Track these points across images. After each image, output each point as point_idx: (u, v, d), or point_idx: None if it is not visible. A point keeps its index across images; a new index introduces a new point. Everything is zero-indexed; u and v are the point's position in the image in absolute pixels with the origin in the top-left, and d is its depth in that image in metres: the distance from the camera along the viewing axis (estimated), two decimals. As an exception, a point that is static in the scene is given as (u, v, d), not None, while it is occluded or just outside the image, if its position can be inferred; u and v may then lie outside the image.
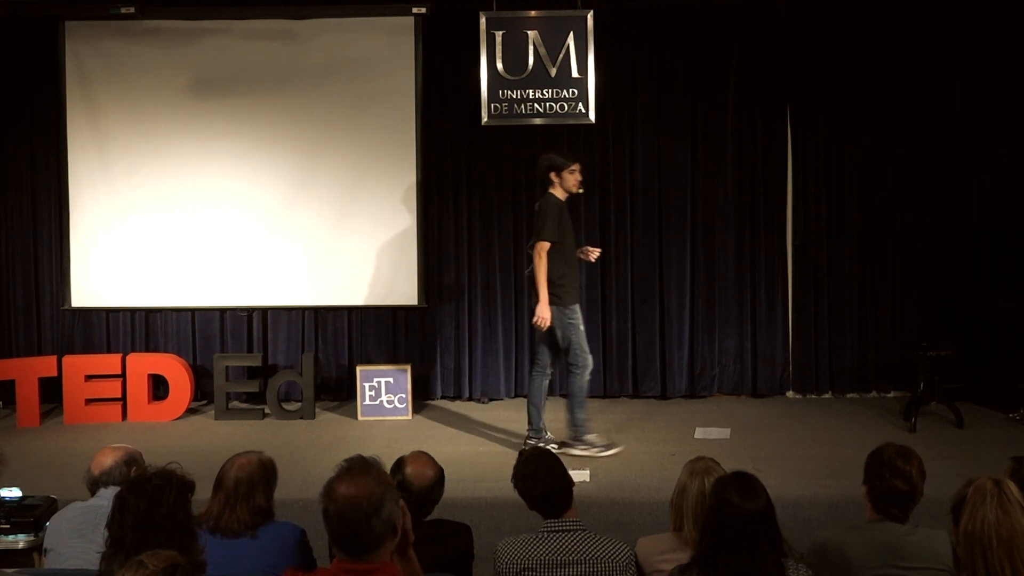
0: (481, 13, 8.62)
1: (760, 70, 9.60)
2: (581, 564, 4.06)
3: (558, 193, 7.78)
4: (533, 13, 8.68)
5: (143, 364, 9.26)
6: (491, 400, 9.70)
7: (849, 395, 9.66)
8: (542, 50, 8.62)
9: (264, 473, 4.31)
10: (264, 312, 9.75)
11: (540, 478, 4.22)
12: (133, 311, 9.71)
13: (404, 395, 9.07)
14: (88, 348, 9.66)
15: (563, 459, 4.47)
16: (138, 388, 9.17)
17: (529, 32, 8.61)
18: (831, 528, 4.27)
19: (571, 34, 8.60)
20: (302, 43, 9.56)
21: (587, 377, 7.80)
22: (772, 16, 9.50)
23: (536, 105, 8.67)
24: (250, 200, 9.57)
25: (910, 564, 3.94)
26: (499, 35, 8.61)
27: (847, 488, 5.95)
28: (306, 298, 9.66)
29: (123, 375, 9.18)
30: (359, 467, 3.06)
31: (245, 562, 4.09)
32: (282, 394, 9.31)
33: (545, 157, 7.94)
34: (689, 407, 9.32)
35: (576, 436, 7.79)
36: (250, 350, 9.71)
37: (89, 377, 9.12)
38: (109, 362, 9.27)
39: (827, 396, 9.69)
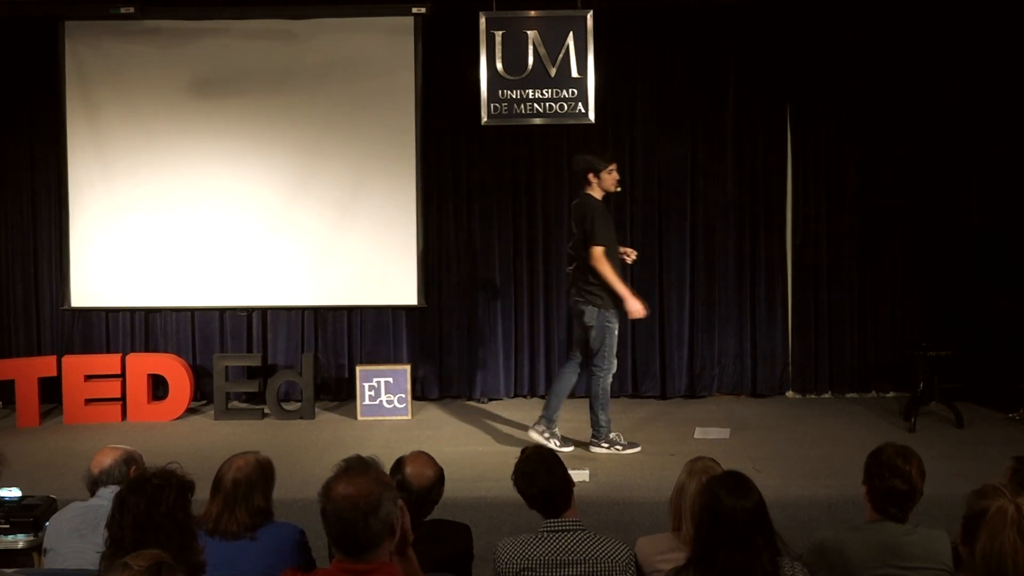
0: (481, 13, 8.62)
1: (760, 70, 9.60)
2: (581, 564, 4.06)
3: (595, 193, 7.80)
4: (533, 13, 8.67)
5: (143, 364, 9.26)
6: (491, 400, 9.69)
7: (849, 395, 9.66)
8: (542, 50, 8.62)
9: (262, 474, 4.30)
10: (264, 312, 9.75)
11: (539, 476, 4.22)
12: (133, 311, 9.71)
13: (404, 395, 9.07)
14: (88, 348, 9.65)
15: (571, 459, 4.46)
16: (138, 388, 9.16)
17: (529, 32, 8.61)
18: (830, 528, 4.27)
19: (571, 34, 8.59)
20: (301, 43, 9.56)
21: (610, 380, 7.84)
22: (772, 16, 9.50)
23: (536, 105, 8.66)
24: (250, 200, 9.57)
25: (910, 564, 3.94)
26: (499, 35, 8.61)
27: (847, 488, 5.95)
28: (306, 298, 9.65)
29: (123, 375, 9.18)
30: (357, 467, 3.06)
31: (245, 563, 4.09)
32: (282, 394, 9.31)
33: (582, 158, 7.96)
34: (689, 407, 9.32)
35: (598, 436, 7.82)
36: (250, 350, 9.71)
37: (89, 377, 9.11)
38: (109, 362, 9.26)
39: (827, 396, 9.69)
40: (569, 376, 8.00)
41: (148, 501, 3.39)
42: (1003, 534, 3.20)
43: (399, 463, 4.40)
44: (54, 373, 9.14)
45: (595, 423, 7.86)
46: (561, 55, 8.61)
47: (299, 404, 9.24)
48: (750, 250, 9.68)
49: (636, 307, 7.71)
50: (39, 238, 9.78)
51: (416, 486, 4.29)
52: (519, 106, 8.66)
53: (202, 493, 3.85)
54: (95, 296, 9.63)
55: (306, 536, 4.33)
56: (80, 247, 9.61)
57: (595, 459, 7.59)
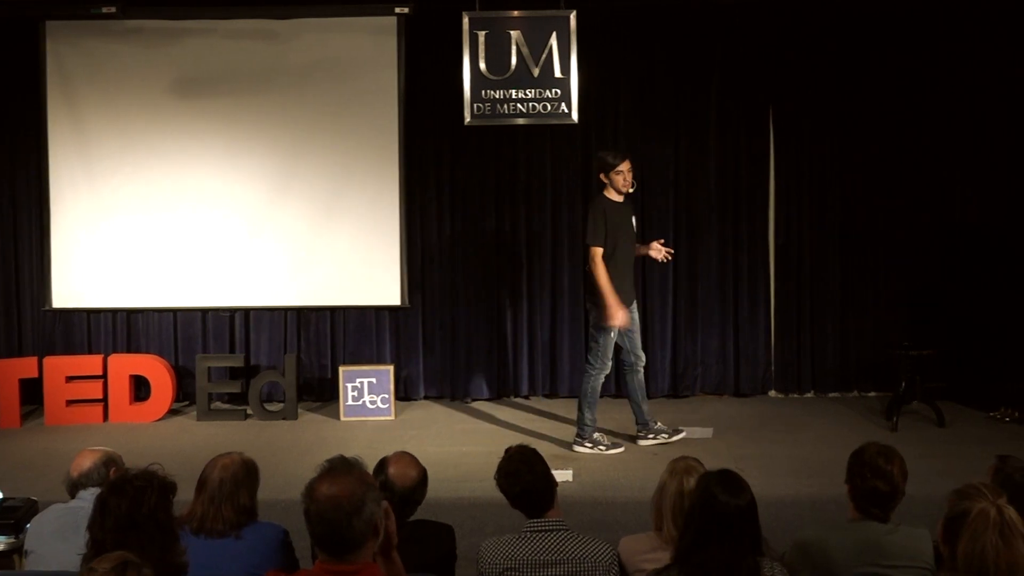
0: (464, 13, 8.60)
1: (743, 70, 9.62)
2: (564, 564, 4.06)
3: (610, 194, 7.84)
4: (516, 13, 8.66)
5: (124, 365, 9.23)
6: (474, 400, 9.69)
7: (831, 394, 9.70)
8: (525, 50, 8.61)
9: (247, 473, 4.30)
10: (246, 312, 9.73)
11: (521, 475, 4.22)
12: (114, 312, 9.67)
13: (387, 395, 9.06)
14: (69, 349, 9.62)
15: (555, 459, 4.45)
16: (119, 389, 9.13)
17: (512, 32, 8.60)
18: (813, 527, 4.28)
19: (554, 34, 8.58)
20: (284, 43, 9.53)
21: (601, 380, 7.89)
22: (755, 16, 9.52)
23: (519, 105, 8.65)
24: (232, 200, 9.55)
25: (892, 563, 3.95)
26: (482, 35, 8.60)
27: (829, 487, 5.98)
28: (289, 298, 9.63)
29: (104, 376, 9.15)
30: (340, 467, 3.06)
31: (229, 563, 4.08)
32: (264, 395, 9.30)
33: (596, 157, 8.06)
34: (672, 407, 9.33)
35: (582, 435, 7.84)
36: (232, 351, 9.69)
37: (70, 378, 9.09)
38: (90, 363, 9.24)
39: (809, 395, 9.73)
40: (630, 381, 8.05)
41: (130, 502, 3.38)
42: (985, 536, 3.21)
43: (382, 463, 4.39)
44: (35, 374, 9.11)
45: (580, 421, 7.89)
46: (544, 55, 8.60)
47: (282, 405, 9.23)
48: (733, 250, 9.71)
49: (616, 315, 7.68)
50: (20, 238, 9.74)
51: (399, 486, 4.29)
52: (502, 106, 8.65)
53: (184, 494, 3.83)
54: (77, 297, 9.59)
55: (290, 536, 4.32)
56: (62, 247, 9.56)
57: (578, 459, 7.60)
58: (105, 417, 9.10)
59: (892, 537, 4.00)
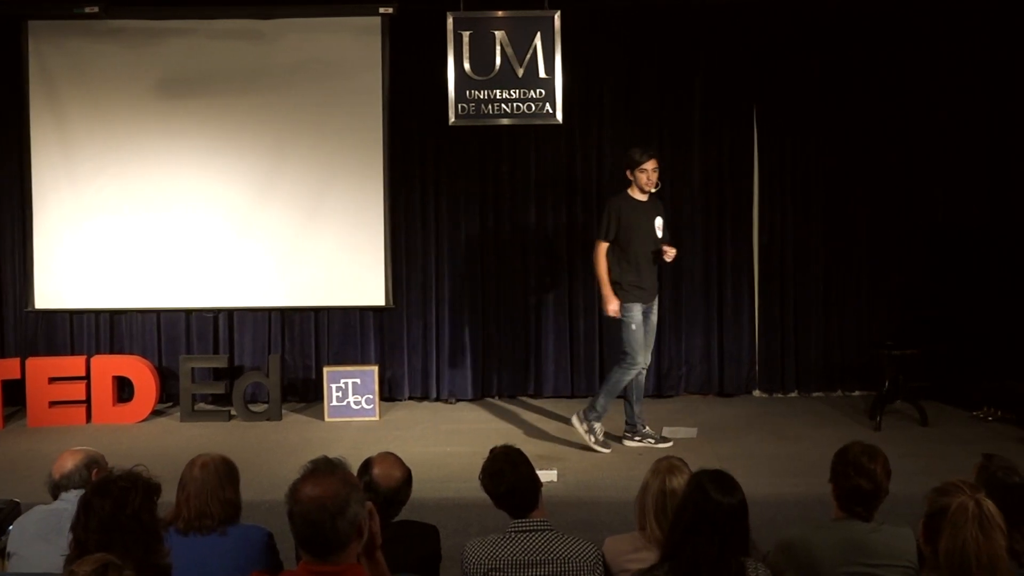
0: (448, 13, 8.61)
1: (727, 71, 9.65)
2: (548, 564, 4.06)
3: (633, 192, 7.85)
4: (500, 13, 8.67)
5: (108, 366, 9.20)
6: (458, 401, 9.69)
7: (815, 394, 9.73)
8: (509, 50, 8.62)
9: (229, 469, 4.34)
10: (230, 313, 9.70)
11: (506, 475, 4.22)
12: (98, 312, 9.64)
13: (371, 396, 9.05)
14: (52, 350, 9.58)
15: (539, 459, 4.44)
16: (103, 390, 9.10)
17: (496, 32, 8.61)
18: (797, 527, 4.28)
19: (538, 34, 8.60)
20: (269, 43, 9.52)
21: (631, 375, 7.85)
22: (739, 17, 9.55)
23: (503, 105, 8.66)
24: (216, 201, 9.53)
25: (876, 561, 3.96)
26: (466, 35, 8.60)
27: (813, 487, 5.97)
28: (273, 299, 9.62)
29: (87, 377, 9.11)
30: (324, 468, 3.05)
31: (214, 562, 4.08)
32: (248, 395, 9.28)
33: (625, 154, 8.05)
34: (656, 406, 9.33)
35: (587, 415, 7.89)
36: (216, 351, 9.67)
37: (53, 379, 9.05)
38: (73, 364, 9.20)
39: (793, 395, 9.75)
40: (629, 380, 8.03)
41: (113, 503, 3.37)
42: (965, 529, 3.22)
43: (366, 464, 4.39)
44: (18, 375, 9.06)
45: (592, 402, 7.93)
46: (529, 55, 8.61)
47: (266, 406, 9.20)
48: (717, 250, 9.73)
49: (611, 306, 7.78)
50: (2, 239, 9.71)
51: (384, 487, 4.28)
52: (487, 106, 8.66)
53: (168, 495, 3.82)
54: (59, 298, 9.56)
55: (274, 538, 4.32)
56: (44, 248, 9.53)
57: (563, 459, 7.59)
58: (88, 418, 9.06)
59: (876, 536, 4.01)
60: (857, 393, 9.66)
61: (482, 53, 8.62)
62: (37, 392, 8.99)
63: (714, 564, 3.44)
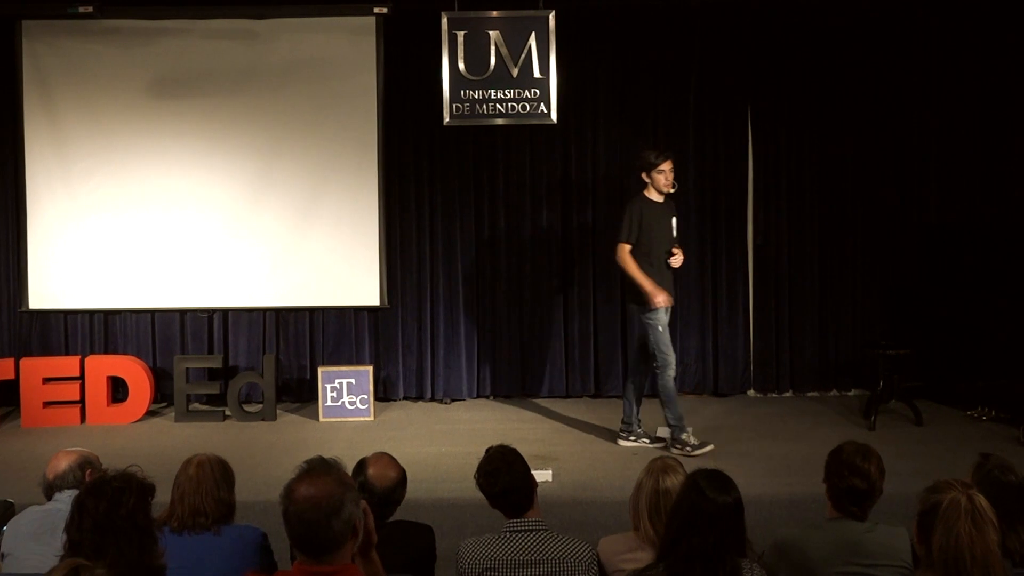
0: (443, 13, 8.62)
1: (721, 71, 9.65)
2: (543, 564, 4.06)
3: (650, 193, 7.79)
4: (495, 13, 8.68)
5: (102, 366, 9.18)
6: (453, 401, 9.69)
7: (809, 393, 9.74)
8: (504, 50, 8.62)
9: (223, 468, 4.34)
10: (224, 313, 9.69)
11: (501, 475, 4.22)
12: (92, 313, 9.62)
13: (366, 396, 9.04)
14: (46, 350, 9.56)
15: (535, 460, 4.43)
16: (97, 390, 9.08)
17: (491, 32, 8.61)
18: (792, 527, 4.30)
19: (533, 34, 8.61)
20: (263, 43, 9.51)
21: (670, 375, 7.75)
22: (733, 17, 9.56)
23: (498, 105, 8.67)
24: (211, 201, 9.52)
25: (870, 561, 3.96)
26: (461, 35, 8.61)
27: (808, 486, 5.98)
28: (267, 299, 9.61)
29: (82, 377, 9.10)
30: (319, 468, 3.05)
31: (208, 560, 4.08)
32: (243, 396, 9.26)
33: (638, 157, 8.00)
34: (651, 406, 9.30)
35: (673, 436, 7.76)
36: (210, 352, 9.65)
37: (47, 380, 9.03)
38: (67, 364, 9.18)
39: (788, 395, 9.76)
40: (640, 381, 8.06)
41: (108, 504, 3.36)
42: (958, 525, 3.23)
43: (361, 464, 4.39)
44: (11, 376, 9.05)
45: (667, 423, 7.83)
46: (523, 55, 8.62)
47: (260, 406, 9.19)
48: (711, 250, 9.73)
49: (659, 299, 7.68)
50: (-4, 239, 9.69)
51: (379, 487, 4.28)
52: (481, 106, 8.66)
53: (163, 496, 3.82)
54: (53, 298, 9.54)
55: (268, 539, 4.32)
56: (38, 248, 9.52)
57: (558, 459, 7.59)
58: (82, 419, 9.05)
59: (870, 536, 4.01)
60: (851, 393, 9.68)
61: (477, 53, 8.63)
62: (31, 392, 8.97)
63: (709, 563, 3.44)
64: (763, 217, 9.73)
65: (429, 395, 9.72)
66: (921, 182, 9.67)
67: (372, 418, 9.03)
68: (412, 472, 4.60)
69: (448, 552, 4.45)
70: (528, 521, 4.18)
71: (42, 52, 9.46)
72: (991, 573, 3.23)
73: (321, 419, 9.01)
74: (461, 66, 8.63)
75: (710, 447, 7.59)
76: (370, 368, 9.19)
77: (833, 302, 9.76)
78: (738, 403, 9.54)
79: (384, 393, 9.67)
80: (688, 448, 7.59)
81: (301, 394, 9.70)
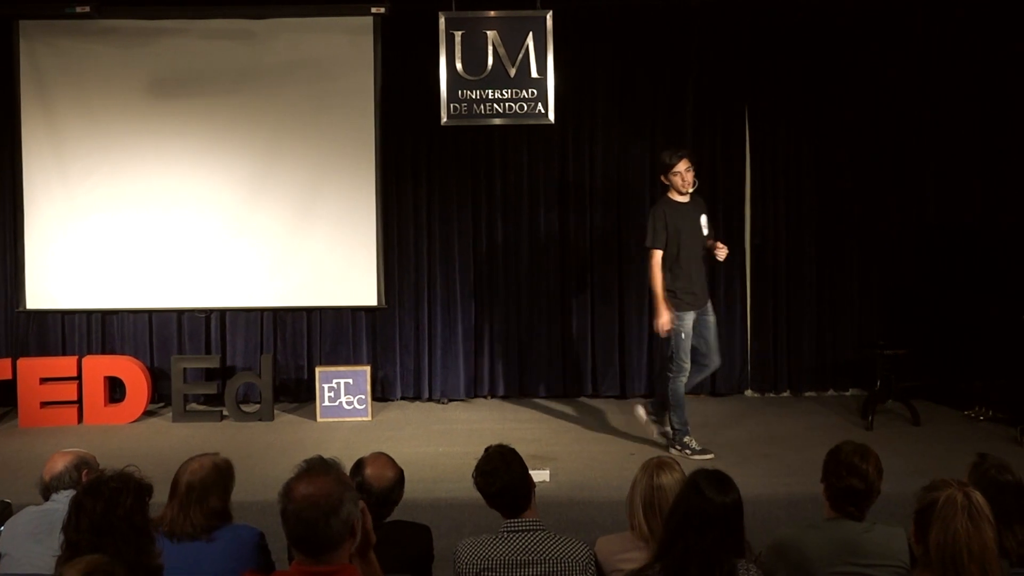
0: (440, 13, 8.61)
1: (719, 71, 9.65)
2: (541, 564, 4.06)
3: (673, 195, 7.72)
4: (492, 13, 8.67)
5: (99, 366, 9.17)
6: (451, 401, 9.69)
7: (807, 393, 9.74)
8: (501, 50, 8.62)
9: (218, 476, 4.28)
10: (222, 313, 9.68)
11: (499, 475, 4.22)
12: (89, 313, 9.61)
13: (363, 396, 9.04)
14: (43, 350, 9.55)
15: (532, 459, 4.43)
16: (94, 391, 9.08)
17: (488, 32, 8.61)
18: (790, 527, 4.30)
19: (530, 34, 8.60)
20: (261, 43, 9.51)
21: (682, 381, 7.69)
22: (731, 18, 9.56)
23: (495, 105, 8.66)
24: (208, 201, 9.51)
25: (868, 561, 3.97)
26: (458, 35, 8.60)
27: (806, 486, 5.99)
28: (265, 299, 9.60)
29: (79, 377, 9.09)
30: (318, 467, 3.05)
31: (203, 566, 4.07)
32: (240, 396, 9.26)
33: (658, 160, 7.93)
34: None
35: (675, 437, 7.74)
36: (208, 352, 9.65)
37: (44, 380, 9.02)
38: (64, 364, 9.17)
39: (785, 395, 9.76)
40: (692, 377, 7.91)
41: (105, 504, 3.37)
42: (955, 521, 3.24)
43: (359, 464, 4.39)
44: (9, 376, 9.05)
45: (671, 426, 7.79)
46: (521, 55, 8.61)
47: (258, 406, 9.18)
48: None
49: (662, 320, 7.61)
50: (-7, 239, 9.68)
51: (376, 487, 4.28)
52: (479, 106, 8.66)
53: (160, 496, 3.82)
54: (51, 298, 9.54)
55: (265, 538, 4.31)
56: (36, 248, 9.51)
57: (555, 459, 7.59)
58: (80, 419, 9.04)
59: (868, 536, 4.02)
60: (849, 392, 9.69)
61: (474, 53, 8.62)
62: (28, 393, 8.96)
63: (706, 564, 3.44)
64: (761, 217, 9.73)
65: (426, 395, 9.72)
66: (919, 182, 9.67)
67: (370, 418, 9.03)
68: (409, 472, 4.60)
69: (445, 552, 4.44)
70: (525, 521, 4.18)
71: (40, 52, 9.45)
72: (988, 569, 3.24)
73: (319, 419, 9.01)
74: (459, 66, 8.63)
75: (711, 456, 7.55)
76: (367, 368, 9.19)
77: (831, 302, 9.76)
78: (736, 403, 9.54)
79: (382, 393, 9.66)
80: (688, 451, 7.59)
81: (299, 394, 9.69)
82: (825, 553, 3.98)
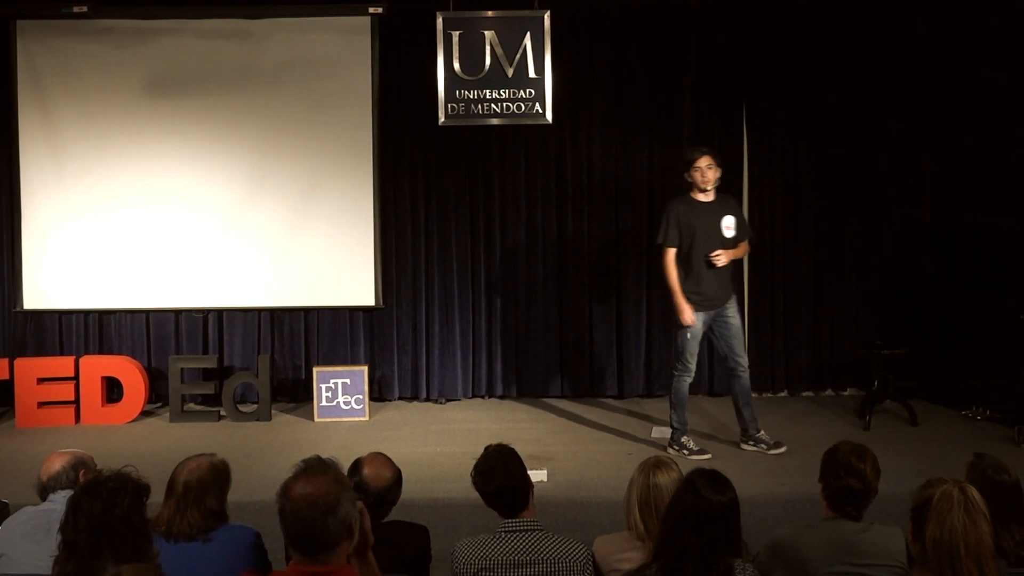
0: (438, 13, 8.61)
1: (716, 70, 9.65)
2: (538, 564, 4.06)
3: (695, 193, 7.65)
4: (490, 13, 8.67)
5: (97, 366, 9.17)
6: (448, 401, 9.69)
7: (805, 393, 9.75)
8: (499, 50, 8.62)
9: (215, 476, 4.28)
10: (220, 313, 9.68)
11: (497, 474, 4.21)
12: (86, 313, 9.61)
13: (361, 396, 9.04)
14: (40, 351, 9.54)
15: (530, 459, 4.43)
16: (92, 391, 9.07)
17: (486, 32, 8.61)
18: (787, 527, 4.30)
19: (528, 34, 8.60)
20: (257, 43, 9.50)
21: (686, 382, 7.68)
22: (728, 17, 9.56)
23: (493, 105, 8.66)
24: (205, 201, 9.51)
25: (865, 561, 3.97)
26: (456, 35, 8.60)
27: (803, 486, 6.00)
28: (262, 299, 9.60)
29: (76, 378, 9.09)
30: (316, 467, 3.05)
31: (200, 566, 4.06)
32: (238, 396, 9.26)
33: (681, 157, 7.90)
34: (646, 406, 9.35)
35: (672, 437, 7.74)
36: (205, 352, 9.64)
37: (41, 380, 9.02)
38: (62, 364, 9.17)
39: (783, 394, 9.77)
40: (732, 385, 7.92)
41: (103, 504, 3.36)
42: (951, 515, 3.25)
43: (356, 464, 4.38)
44: (6, 376, 9.04)
45: (670, 424, 7.80)
46: (518, 55, 8.62)
47: (255, 406, 9.18)
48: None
49: (683, 313, 7.56)
50: (-9, 239, 9.67)
51: (374, 487, 4.28)
52: (476, 106, 8.66)
53: (158, 496, 3.82)
54: (48, 298, 9.53)
55: (262, 538, 4.31)
56: (33, 248, 9.50)
57: (553, 459, 7.58)
58: (77, 419, 9.03)
59: (865, 535, 4.02)
60: (847, 392, 9.69)
61: (472, 53, 8.62)
62: (26, 393, 8.96)
63: (702, 563, 3.44)
64: (758, 217, 9.71)
65: (424, 395, 9.72)
66: (916, 182, 9.67)
67: (367, 418, 9.03)
68: (407, 472, 4.60)
69: (443, 552, 4.44)
70: (523, 521, 4.18)
71: (36, 52, 9.44)
72: (984, 563, 3.24)
73: (316, 419, 9.01)
74: (456, 66, 8.63)
75: (708, 455, 7.55)
76: (365, 368, 9.19)
77: (828, 302, 9.76)
78: (724, 404, 9.51)
79: (379, 393, 9.66)
80: (685, 451, 7.58)
81: (296, 394, 9.69)
82: (822, 553, 3.98)
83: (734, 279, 8.24)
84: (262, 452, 7.96)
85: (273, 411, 9.18)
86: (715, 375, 9.72)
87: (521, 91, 8.63)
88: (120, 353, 9.55)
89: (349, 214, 9.54)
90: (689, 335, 7.62)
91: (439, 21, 8.59)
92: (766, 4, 9.52)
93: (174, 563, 3.87)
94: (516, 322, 9.72)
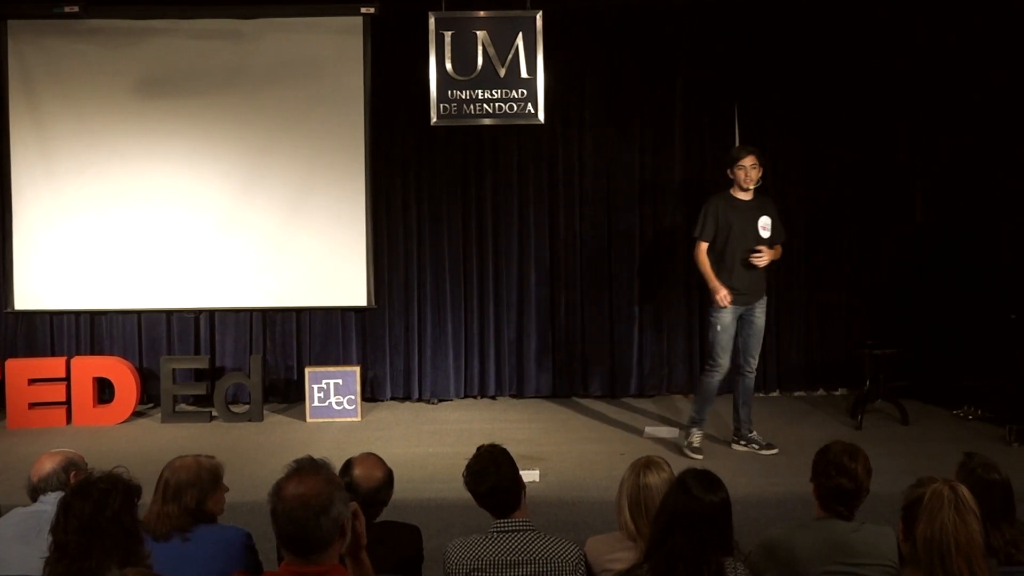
0: (430, 13, 8.61)
1: (708, 71, 9.65)
2: (531, 564, 4.06)
3: (734, 191, 7.67)
4: (482, 13, 8.68)
5: (88, 367, 9.15)
6: (441, 401, 9.68)
7: (796, 393, 9.77)
8: (491, 50, 8.62)
9: (198, 474, 4.27)
10: (211, 314, 9.66)
11: (489, 474, 4.22)
12: (78, 313, 9.59)
13: (353, 396, 9.03)
14: (31, 351, 9.53)
15: (522, 459, 4.42)
16: (83, 391, 9.05)
17: (478, 32, 8.62)
18: (779, 526, 4.30)
19: (520, 35, 8.61)
20: (250, 43, 9.49)
21: (715, 378, 7.69)
22: (720, 17, 9.56)
23: (485, 105, 8.67)
24: (197, 201, 9.49)
25: (857, 560, 3.97)
26: (448, 35, 8.61)
27: (795, 486, 6.00)
28: (254, 299, 9.58)
29: (67, 378, 9.07)
30: (308, 467, 3.05)
31: (183, 566, 4.04)
32: (230, 396, 9.24)
33: (728, 152, 7.96)
34: (638, 406, 9.35)
35: (688, 426, 7.79)
36: (197, 352, 9.63)
37: (32, 381, 9.00)
38: (53, 365, 9.15)
39: (775, 394, 9.78)
40: (735, 382, 7.93)
41: (93, 506, 3.35)
42: (942, 514, 3.26)
43: (348, 464, 4.38)
44: (-3, 377, 9.03)
45: (692, 412, 7.85)
46: (510, 55, 8.62)
47: (247, 406, 9.17)
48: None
49: (719, 293, 7.57)
50: (-19, 240, 9.64)
51: (365, 487, 4.28)
52: (468, 106, 8.66)
53: (149, 497, 3.81)
54: (39, 298, 9.51)
55: (253, 539, 4.30)
56: (23, 249, 9.47)
57: (545, 459, 7.58)
58: (68, 420, 9.02)
59: (857, 535, 4.03)
60: (838, 392, 9.71)
61: (464, 53, 8.63)
62: (17, 394, 8.94)
63: (693, 563, 3.45)
64: (750, 217, 9.73)
65: (416, 395, 9.71)
66: (908, 182, 9.69)
67: (359, 419, 9.02)
68: (399, 472, 4.59)
69: (435, 553, 4.44)
70: (515, 521, 4.18)
71: (28, 52, 9.42)
72: (974, 561, 3.25)
73: (308, 420, 9.00)
74: (448, 66, 8.64)
75: (700, 457, 7.54)
76: (357, 368, 9.18)
77: (820, 302, 9.78)
78: (725, 403, 9.50)
79: (371, 393, 9.66)
80: (686, 443, 7.66)
81: (288, 395, 9.69)
82: (814, 552, 3.99)
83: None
84: (254, 452, 7.95)
85: (265, 411, 9.17)
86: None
87: (513, 91, 8.64)
88: (112, 354, 9.53)
89: (341, 214, 9.53)
90: (719, 328, 7.62)
91: (431, 21, 8.59)
92: (758, 5, 9.52)
93: (167, 563, 3.86)
94: (508, 322, 9.72)
